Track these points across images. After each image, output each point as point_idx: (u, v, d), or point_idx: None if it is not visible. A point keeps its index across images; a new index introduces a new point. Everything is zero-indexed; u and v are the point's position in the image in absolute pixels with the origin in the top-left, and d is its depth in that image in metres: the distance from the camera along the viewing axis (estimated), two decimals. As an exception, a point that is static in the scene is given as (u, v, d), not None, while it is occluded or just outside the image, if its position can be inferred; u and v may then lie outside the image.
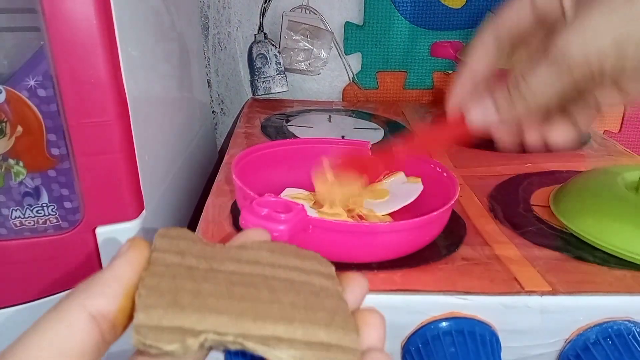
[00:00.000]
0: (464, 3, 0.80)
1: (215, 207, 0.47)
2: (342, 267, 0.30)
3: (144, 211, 0.44)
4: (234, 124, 0.90)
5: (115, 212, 0.42)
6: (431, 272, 0.38)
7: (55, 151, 0.40)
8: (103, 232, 0.42)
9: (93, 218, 0.42)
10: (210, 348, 0.20)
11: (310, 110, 0.78)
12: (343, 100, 0.87)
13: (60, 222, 0.42)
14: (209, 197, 0.49)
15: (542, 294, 0.35)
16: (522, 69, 0.29)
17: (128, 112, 0.41)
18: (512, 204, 0.49)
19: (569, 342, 0.36)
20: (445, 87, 0.85)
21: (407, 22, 0.81)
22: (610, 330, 0.35)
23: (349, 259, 0.38)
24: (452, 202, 0.38)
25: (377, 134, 0.68)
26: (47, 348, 0.16)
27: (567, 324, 0.36)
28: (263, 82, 0.81)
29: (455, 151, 0.64)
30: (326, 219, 0.39)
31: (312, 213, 0.41)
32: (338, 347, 0.18)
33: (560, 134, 0.31)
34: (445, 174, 0.44)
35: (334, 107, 0.81)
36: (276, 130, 0.68)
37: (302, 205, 0.35)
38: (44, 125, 0.39)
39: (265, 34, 0.80)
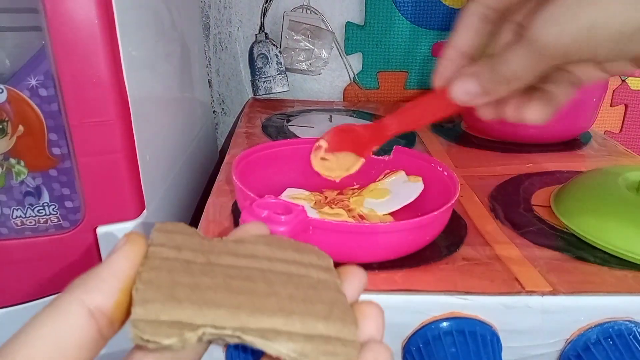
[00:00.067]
0: (465, 3, 0.79)
1: (216, 207, 0.47)
2: (343, 266, 0.30)
3: (144, 211, 0.44)
4: (235, 123, 0.90)
5: (116, 212, 0.42)
6: (432, 272, 0.38)
7: (56, 151, 0.40)
8: (104, 231, 0.42)
9: (94, 217, 0.42)
10: (210, 342, 0.20)
11: (311, 110, 0.78)
12: (344, 100, 0.87)
13: (61, 222, 0.42)
14: (209, 196, 0.49)
15: (543, 294, 0.35)
16: (501, 48, 0.30)
17: (129, 112, 0.41)
18: (512, 204, 0.49)
19: (569, 342, 0.36)
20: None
21: (408, 22, 0.81)
22: (611, 330, 0.35)
23: (350, 259, 0.38)
24: (453, 201, 0.38)
25: (378, 134, 0.68)
26: (44, 343, 0.16)
27: (568, 324, 0.36)
28: (264, 82, 0.81)
29: (455, 151, 0.64)
30: (327, 219, 0.39)
31: (312, 214, 0.41)
32: (337, 339, 0.18)
33: (535, 112, 0.31)
34: (445, 173, 0.44)
35: (334, 107, 0.81)
36: (277, 130, 0.68)
37: (303, 206, 0.35)
38: (45, 125, 0.39)
39: (266, 33, 0.80)
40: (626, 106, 0.88)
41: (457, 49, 0.33)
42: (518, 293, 0.35)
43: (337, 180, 0.42)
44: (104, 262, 0.18)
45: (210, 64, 0.86)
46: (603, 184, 0.46)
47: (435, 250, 0.40)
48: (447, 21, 0.81)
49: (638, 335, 0.35)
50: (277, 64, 0.80)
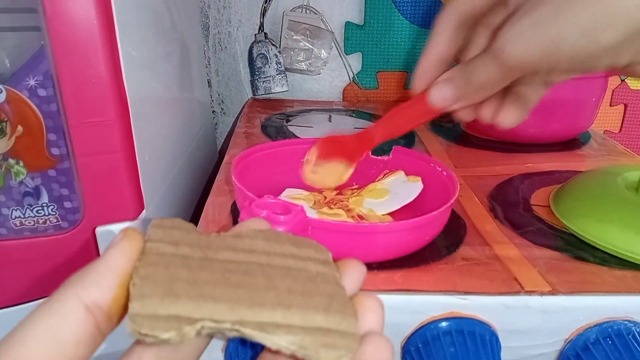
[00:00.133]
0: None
1: (215, 207, 0.47)
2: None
3: (144, 211, 0.44)
4: (234, 123, 0.90)
5: (115, 212, 0.42)
6: (431, 272, 0.38)
7: (55, 151, 0.40)
8: (103, 232, 0.42)
9: (93, 218, 0.42)
10: (211, 336, 0.20)
11: (311, 110, 0.78)
12: (343, 100, 0.87)
13: (60, 222, 0.42)
14: (209, 196, 0.49)
15: (542, 294, 0.35)
16: (474, 56, 0.31)
17: (128, 112, 0.41)
18: (512, 204, 0.49)
19: (569, 342, 0.36)
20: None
21: (407, 22, 0.81)
22: (610, 330, 0.35)
23: (349, 258, 0.38)
24: (452, 201, 0.38)
25: (378, 134, 0.68)
26: (41, 339, 0.16)
27: (567, 324, 0.36)
28: (263, 81, 0.81)
29: (455, 151, 0.64)
30: (326, 219, 0.39)
31: (311, 214, 0.41)
32: (336, 331, 0.18)
33: (507, 116, 0.33)
34: (445, 173, 0.44)
35: (334, 107, 0.81)
36: (276, 130, 0.68)
37: (302, 206, 0.35)
38: (44, 125, 0.39)
39: (265, 33, 0.80)
40: (625, 106, 0.88)
41: (433, 56, 0.34)
42: (517, 293, 0.35)
43: (333, 188, 0.43)
44: (101, 257, 0.18)
45: (209, 64, 0.86)
46: (602, 183, 0.46)
47: (435, 250, 0.40)
48: (446, 21, 0.81)
49: (637, 335, 0.35)
50: (276, 63, 0.80)
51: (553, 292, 0.35)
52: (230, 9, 0.82)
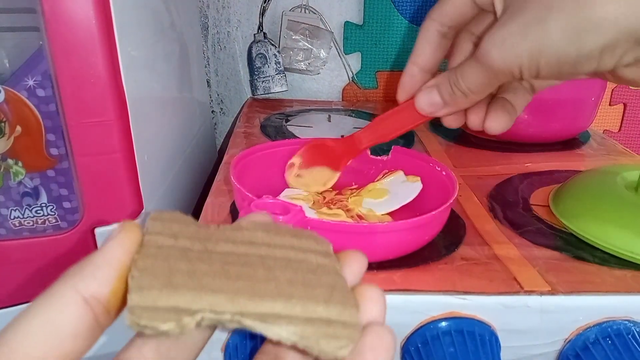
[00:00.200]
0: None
1: (214, 207, 0.47)
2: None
3: (143, 211, 0.44)
4: (234, 123, 0.90)
5: (114, 212, 0.42)
6: (430, 272, 0.38)
7: (54, 151, 0.40)
8: (102, 232, 0.42)
9: (92, 218, 0.42)
10: (214, 329, 0.20)
11: (310, 110, 0.78)
12: (342, 100, 0.87)
13: (60, 222, 0.42)
14: (208, 197, 0.49)
15: (542, 293, 0.35)
16: (458, 63, 0.32)
17: (127, 112, 0.41)
18: (511, 204, 0.49)
19: (568, 342, 0.36)
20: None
21: (406, 21, 0.81)
22: (609, 330, 0.35)
23: (349, 258, 0.38)
24: (451, 200, 0.38)
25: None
26: (39, 332, 0.16)
27: (567, 323, 0.36)
28: (262, 81, 0.81)
29: (454, 151, 0.64)
30: (325, 219, 0.39)
31: (310, 214, 0.41)
32: (338, 322, 0.18)
33: (495, 122, 0.34)
34: (444, 173, 0.44)
35: (333, 107, 0.81)
36: (276, 130, 0.68)
37: (300, 206, 0.35)
38: (43, 125, 0.39)
39: (264, 33, 0.80)
40: (625, 105, 0.88)
41: (418, 65, 0.35)
42: (517, 293, 0.35)
43: (318, 193, 0.43)
44: (99, 250, 0.18)
45: (208, 64, 0.86)
46: (602, 183, 0.46)
47: (434, 250, 0.40)
48: (445, 21, 0.81)
49: (637, 335, 0.35)
50: (275, 63, 0.80)
51: (552, 292, 0.35)
52: (230, 8, 0.82)
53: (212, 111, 0.89)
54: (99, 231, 0.42)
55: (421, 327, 0.36)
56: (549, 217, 0.46)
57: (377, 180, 0.47)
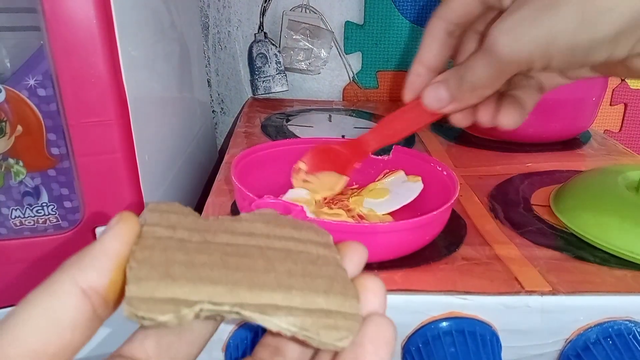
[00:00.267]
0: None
1: (215, 207, 0.47)
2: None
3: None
4: (234, 123, 0.90)
5: (115, 212, 0.42)
6: (431, 272, 0.38)
7: (55, 151, 0.40)
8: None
9: (93, 217, 0.42)
10: (219, 323, 0.20)
11: (311, 110, 0.78)
12: (343, 100, 0.87)
13: (60, 222, 0.42)
14: (209, 196, 0.49)
15: (543, 293, 0.35)
16: (466, 57, 0.31)
17: (128, 112, 0.41)
18: (512, 204, 0.49)
19: (569, 342, 0.36)
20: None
21: (407, 21, 0.81)
22: (610, 330, 0.35)
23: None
24: (452, 201, 0.38)
25: (377, 134, 0.68)
26: (38, 323, 0.15)
27: (568, 323, 0.36)
28: (263, 81, 0.81)
29: (455, 151, 0.64)
30: (326, 219, 0.39)
31: (311, 214, 0.41)
32: (338, 313, 0.18)
33: (507, 117, 0.32)
34: (445, 173, 0.44)
35: (334, 107, 0.81)
36: (276, 130, 0.68)
37: (302, 206, 0.35)
38: (43, 125, 0.39)
39: (265, 33, 0.80)
40: (626, 105, 0.88)
41: (424, 64, 0.34)
42: (518, 293, 0.35)
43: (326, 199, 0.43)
44: (97, 241, 0.18)
45: (209, 64, 0.86)
46: (603, 183, 0.46)
47: (435, 250, 0.40)
48: (446, 20, 0.81)
49: (637, 335, 0.35)
50: (276, 63, 0.80)
51: (553, 292, 0.35)
52: (230, 8, 0.82)
53: (213, 111, 0.89)
54: (99, 231, 0.42)
55: (422, 327, 0.36)
56: (549, 217, 0.46)
57: (378, 180, 0.47)
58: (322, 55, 0.82)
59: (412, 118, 0.35)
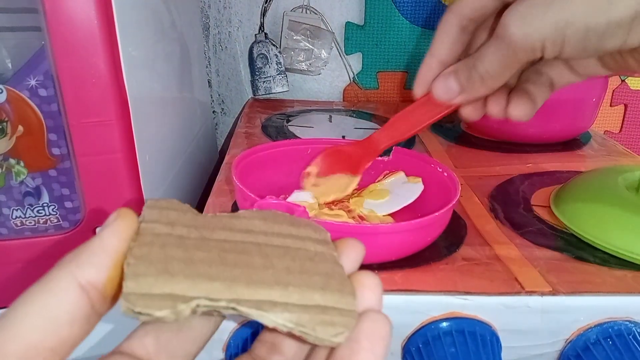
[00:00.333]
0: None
1: (215, 207, 0.47)
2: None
3: (144, 211, 0.44)
4: (235, 124, 0.90)
5: (115, 212, 0.42)
6: (432, 273, 0.38)
7: (56, 151, 0.40)
8: (104, 232, 0.42)
9: (94, 218, 0.42)
10: (220, 322, 0.20)
11: (311, 110, 0.78)
12: (343, 101, 0.87)
13: (61, 222, 0.42)
14: (209, 197, 0.49)
15: (543, 294, 0.35)
16: (478, 47, 0.31)
17: (129, 112, 0.41)
18: (512, 204, 0.49)
19: (569, 342, 0.36)
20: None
21: (407, 22, 0.81)
22: (610, 330, 0.35)
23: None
24: (454, 202, 0.38)
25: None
26: (36, 319, 0.16)
27: (568, 324, 0.36)
28: (264, 82, 0.81)
29: (455, 151, 0.64)
30: (327, 220, 0.39)
31: (311, 215, 0.41)
32: (334, 309, 0.18)
33: (517, 108, 0.32)
34: (445, 174, 0.44)
35: (334, 107, 0.81)
36: (277, 130, 0.68)
37: (304, 207, 0.35)
38: (44, 125, 0.39)
39: (265, 34, 0.80)
40: (626, 106, 0.88)
41: (436, 58, 0.34)
42: (518, 293, 0.35)
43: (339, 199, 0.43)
44: (95, 237, 0.18)
45: (209, 64, 0.86)
46: (603, 183, 0.46)
47: (435, 250, 0.40)
48: (446, 21, 0.81)
49: (637, 336, 0.35)
50: (276, 64, 0.80)
51: (553, 292, 0.35)
52: (231, 9, 0.82)
53: (213, 111, 0.90)
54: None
55: (422, 327, 0.36)
56: (549, 217, 0.46)
57: (378, 181, 0.47)
58: (323, 55, 0.82)
59: (423, 113, 0.35)
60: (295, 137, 0.65)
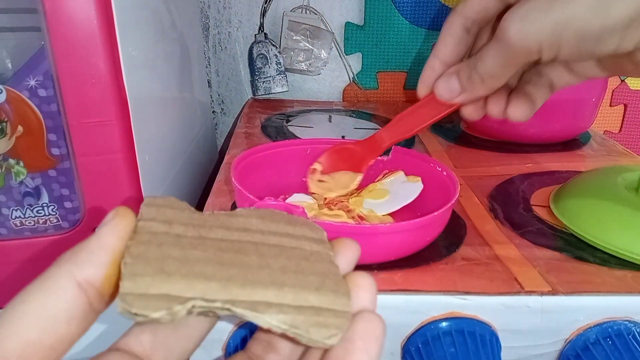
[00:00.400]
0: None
1: (215, 207, 0.47)
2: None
3: (144, 211, 0.44)
4: (234, 124, 0.90)
5: (115, 212, 0.42)
6: (431, 272, 0.38)
7: (55, 151, 0.40)
8: (103, 232, 0.42)
9: (93, 218, 0.42)
10: (217, 319, 0.20)
11: (311, 111, 0.78)
12: (343, 101, 0.87)
13: (61, 222, 0.42)
14: (209, 197, 0.49)
15: (542, 294, 0.35)
16: (479, 48, 0.32)
17: (128, 112, 0.41)
18: (512, 204, 0.49)
19: (569, 342, 0.36)
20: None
21: (407, 22, 0.81)
22: (610, 330, 0.35)
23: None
24: (453, 201, 0.38)
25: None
26: (34, 317, 0.16)
27: (567, 324, 0.36)
28: (263, 82, 0.81)
29: (455, 151, 0.64)
30: (326, 220, 0.39)
31: (311, 215, 0.41)
32: (329, 310, 0.18)
33: (516, 109, 0.33)
34: (445, 173, 0.44)
35: (334, 107, 0.81)
36: (276, 131, 0.68)
37: (303, 208, 0.35)
38: (44, 125, 0.39)
39: (265, 34, 0.80)
40: (625, 106, 0.88)
41: (440, 59, 0.34)
42: (517, 293, 0.35)
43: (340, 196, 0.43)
44: (93, 235, 0.18)
45: (209, 64, 0.86)
46: (602, 183, 0.46)
47: (435, 250, 0.40)
48: (446, 21, 0.81)
49: (637, 335, 0.35)
50: (276, 64, 0.80)
51: (553, 292, 0.35)
52: (230, 9, 0.82)
53: (213, 111, 0.90)
54: (100, 231, 0.42)
55: (422, 327, 0.36)
56: (549, 217, 0.46)
57: (378, 181, 0.47)
58: (322, 56, 0.82)
59: (425, 113, 0.36)
60: (295, 137, 0.65)
